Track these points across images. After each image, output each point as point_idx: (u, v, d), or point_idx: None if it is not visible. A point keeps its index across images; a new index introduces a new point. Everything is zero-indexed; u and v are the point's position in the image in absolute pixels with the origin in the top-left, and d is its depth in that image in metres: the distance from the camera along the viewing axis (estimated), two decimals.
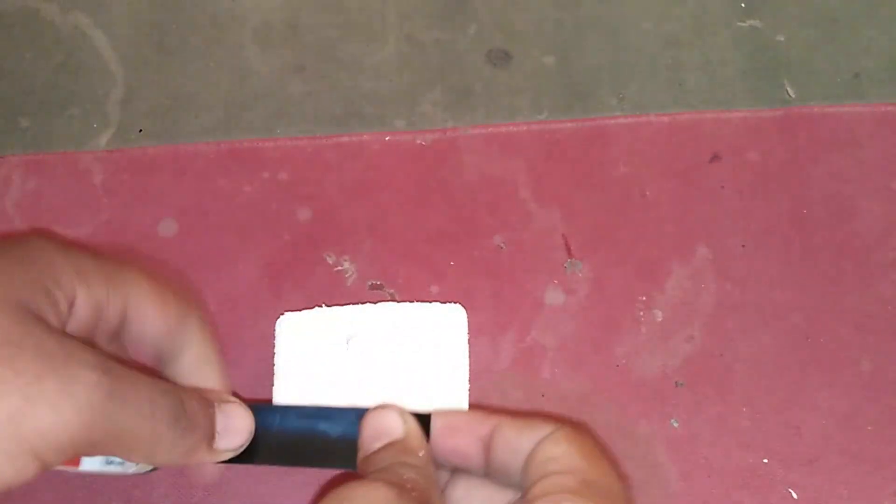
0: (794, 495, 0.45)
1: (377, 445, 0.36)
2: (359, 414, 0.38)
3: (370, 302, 0.43)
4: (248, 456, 0.37)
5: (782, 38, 0.55)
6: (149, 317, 0.36)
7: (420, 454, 0.36)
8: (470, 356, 0.42)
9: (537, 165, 0.52)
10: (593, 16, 0.56)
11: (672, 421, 0.46)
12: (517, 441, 0.35)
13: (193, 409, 0.34)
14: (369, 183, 0.51)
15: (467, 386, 0.41)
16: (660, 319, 0.48)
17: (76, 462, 0.39)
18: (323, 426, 0.38)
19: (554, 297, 0.48)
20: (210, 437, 0.35)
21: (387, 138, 0.52)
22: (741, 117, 0.53)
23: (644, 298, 0.48)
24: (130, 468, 0.39)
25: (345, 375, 0.41)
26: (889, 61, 0.55)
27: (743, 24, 0.56)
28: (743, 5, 0.56)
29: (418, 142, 0.52)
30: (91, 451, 0.31)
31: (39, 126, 0.53)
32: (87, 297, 0.34)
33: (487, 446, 0.36)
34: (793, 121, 0.53)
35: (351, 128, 0.53)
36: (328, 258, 0.49)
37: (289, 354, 0.41)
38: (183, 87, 0.54)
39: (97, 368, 0.30)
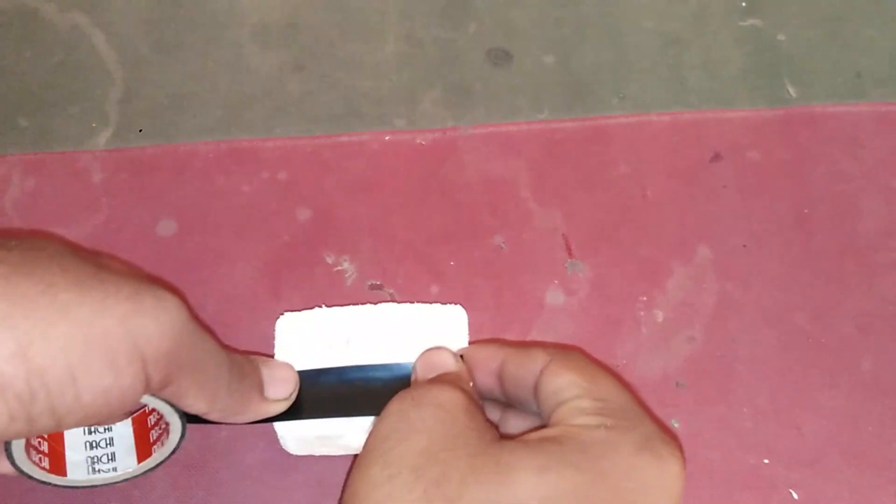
0: (796, 496, 0.44)
1: (430, 375, 0.38)
2: (399, 367, 0.40)
3: (370, 302, 0.43)
4: (297, 412, 0.39)
5: (783, 38, 0.55)
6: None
7: (471, 384, 0.38)
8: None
9: (538, 165, 0.52)
10: (594, 14, 0.56)
11: (673, 421, 0.46)
12: (519, 374, 0.37)
13: (240, 361, 0.37)
14: (369, 182, 0.51)
15: None
16: (661, 320, 0.48)
17: (62, 470, 0.38)
18: (364, 376, 0.40)
19: (554, 297, 0.48)
20: (259, 385, 0.38)
21: (386, 137, 0.52)
22: (742, 117, 0.53)
23: (645, 298, 0.48)
24: (120, 475, 0.39)
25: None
26: (890, 60, 0.55)
27: (744, 24, 0.56)
28: (744, 4, 0.56)
29: (418, 141, 0.52)
30: (174, 376, 0.32)
31: (38, 125, 0.53)
32: None
33: (499, 379, 0.38)
34: (794, 120, 0.53)
35: (351, 127, 0.53)
36: (328, 258, 0.49)
37: (288, 354, 0.41)
38: (182, 86, 0.54)
39: (173, 300, 0.32)
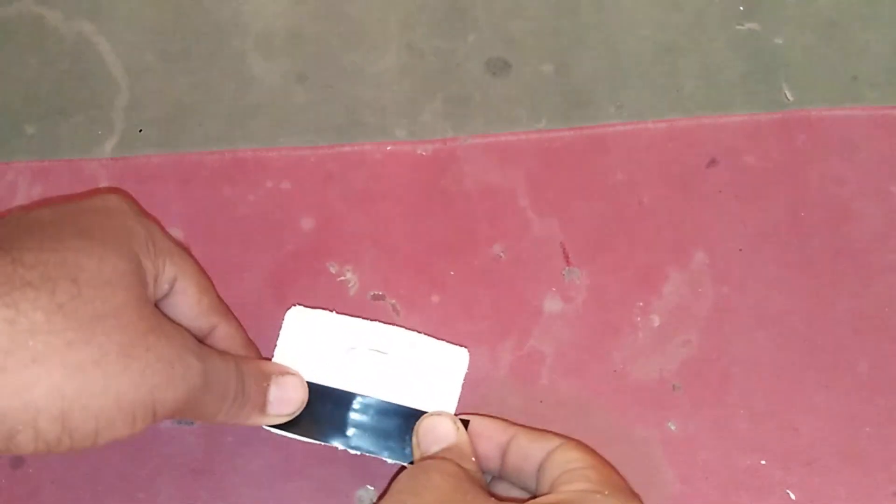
0: (793, 496, 0.45)
1: (435, 449, 0.41)
2: (400, 409, 0.43)
3: (372, 313, 0.44)
4: (292, 427, 0.42)
5: (781, 41, 0.55)
6: (191, 296, 0.41)
7: (472, 459, 0.41)
8: (463, 387, 0.44)
9: (536, 174, 0.52)
10: (591, 23, 0.56)
11: (669, 424, 0.46)
12: (530, 448, 0.40)
13: (250, 384, 0.40)
14: (371, 193, 0.51)
15: None
16: (657, 324, 0.48)
17: None
18: (364, 410, 0.43)
19: (552, 304, 0.49)
20: (261, 406, 0.41)
21: (388, 148, 0.53)
22: (739, 121, 0.53)
23: (641, 304, 0.49)
24: None
25: (337, 380, 0.43)
26: (886, 64, 0.55)
27: (741, 27, 0.56)
28: (741, 8, 0.56)
29: (419, 151, 0.53)
30: (171, 417, 0.36)
31: (45, 133, 0.53)
32: (150, 267, 0.38)
33: (504, 452, 0.41)
34: (790, 124, 0.53)
35: (353, 137, 0.53)
36: (331, 268, 0.50)
37: (290, 346, 0.43)
38: (187, 94, 0.54)
39: (198, 356, 0.37)
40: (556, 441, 0.40)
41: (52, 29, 0.56)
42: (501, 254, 0.50)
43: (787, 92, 0.54)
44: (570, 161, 0.52)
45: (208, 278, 0.43)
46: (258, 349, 0.45)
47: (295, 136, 0.53)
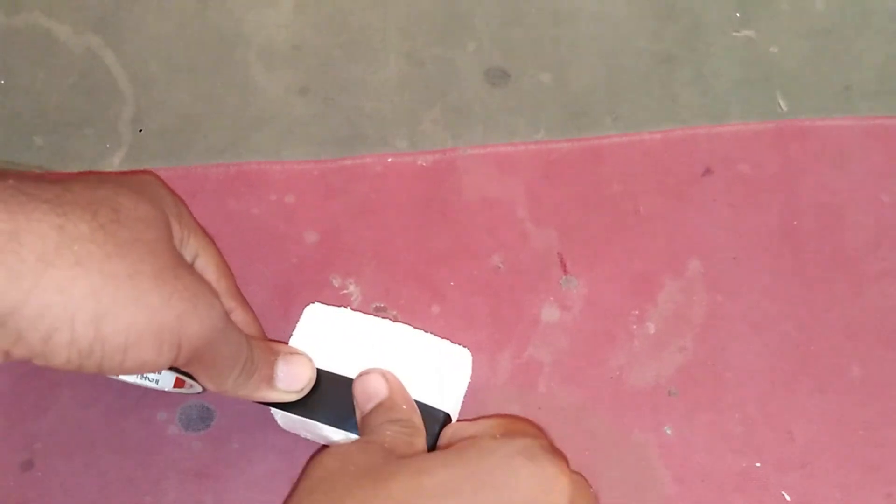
0: (788, 498, 0.45)
1: (369, 407, 0.41)
2: None
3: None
4: (298, 407, 0.43)
5: (776, 50, 0.56)
6: (211, 274, 0.43)
7: (404, 407, 0.41)
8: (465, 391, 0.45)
9: (534, 185, 0.52)
10: (589, 34, 0.57)
11: (665, 428, 0.47)
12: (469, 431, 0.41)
13: (259, 355, 0.41)
14: (373, 205, 0.52)
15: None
16: (653, 332, 0.49)
17: None
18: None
19: (550, 313, 0.50)
20: (269, 379, 0.41)
21: (389, 160, 0.53)
22: (733, 131, 0.54)
23: (637, 312, 0.49)
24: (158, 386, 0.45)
25: (347, 370, 0.43)
26: (879, 74, 0.55)
27: (738, 35, 0.56)
28: (738, 15, 0.57)
29: (419, 163, 0.53)
30: (190, 363, 0.37)
31: (53, 145, 0.54)
32: (177, 230, 0.40)
33: None
34: (784, 134, 0.53)
35: (354, 149, 0.54)
36: (334, 281, 0.50)
37: (304, 336, 0.44)
38: (192, 107, 0.55)
39: (218, 301, 0.38)
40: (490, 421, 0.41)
41: (61, 42, 0.57)
42: (500, 264, 0.51)
43: (780, 101, 0.54)
44: (567, 172, 0.53)
45: (229, 268, 0.45)
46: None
47: (298, 149, 0.54)
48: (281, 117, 0.55)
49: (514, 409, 0.47)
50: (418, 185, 0.53)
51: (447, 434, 0.41)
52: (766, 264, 0.50)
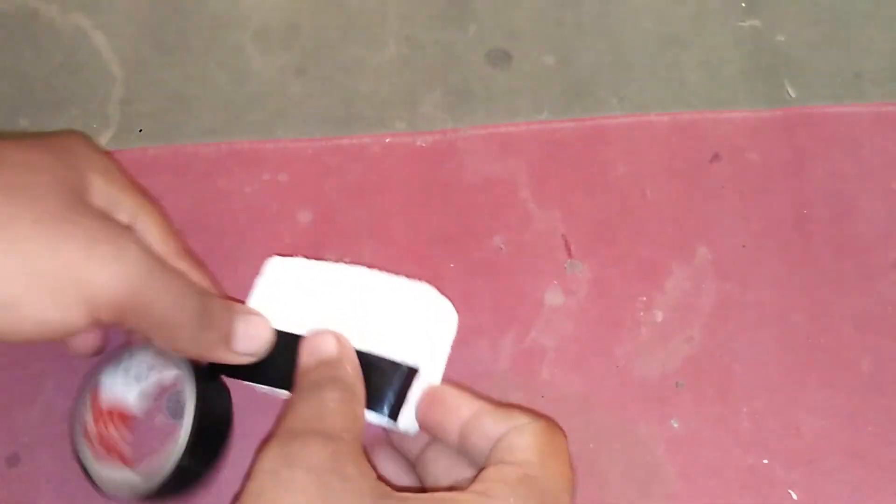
0: (794, 496, 0.45)
1: (311, 362, 0.38)
2: (360, 360, 0.39)
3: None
4: (254, 375, 0.40)
5: (783, 38, 0.55)
6: (155, 234, 0.40)
7: (349, 370, 0.37)
8: (463, 355, 0.42)
9: (537, 166, 0.52)
10: (593, 15, 0.56)
11: (672, 421, 0.46)
12: (493, 428, 0.36)
13: (213, 310, 0.38)
14: (370, 185, 0.51)
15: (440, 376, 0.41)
16: (660, 320, 0.48)
17: None
18: None
19: (554, 297, 0.49)
20: (227, 337, 0.38)
21: (387, 140, 0.53)
22: (742, 117, 0.53)
23: (644, 299, 0.49)
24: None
25: (309, 328, 0.40)
26: (889, 61, 0.55)
27: (743, 24, 0.56)
28: (743, 5, 0.57)
29: (418, 143, 0.52)
30: (129, 319, 0.34)
31: (40, 126, 0.53)
32: (101, 186, 0.37)
33: (465, 427, 0.37)
34: (793, 121, 0.53)
35: (351, 129, 0.53)
36: (329, 261, 0.49)
37: (264, 295, 0.42)
38: (183, 87, 0.54)
39: (141, 249, 0.35)
40: (521, 420, 0.36)
41: (48, 22, 0.56)
42: (502, 246, 0.50)
43: (789, 89, 0.54)
44: (572, 152, 0.52)
45: (176, 230, 0.42)
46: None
47: (292, 129, 0.53)
48: (275, 97, 0.54)
49: (517, 397, 0.46)
50: (417, 165, 0.52)
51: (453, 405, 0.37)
52: (776, 253, 0.50)
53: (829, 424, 0.46)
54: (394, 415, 0.38)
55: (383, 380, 0.39)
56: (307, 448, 0.33)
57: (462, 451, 0.37)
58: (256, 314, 0.40)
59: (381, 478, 0.34)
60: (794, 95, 0.54)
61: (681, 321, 0.48)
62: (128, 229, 0.36)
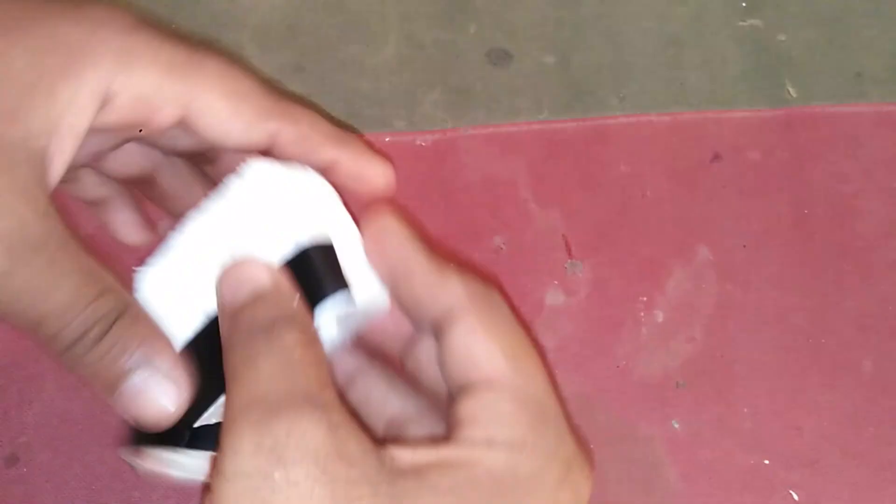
0: (796, 496, 0.45)
1: (241, 298, 0.28)
2: None
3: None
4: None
5: (783, 38, 0.55)
6: (221, 110, 0.31)
7: (294, 304, 0.29)
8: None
9: (538, 165, 0.52)
10: (594, 15, 0.56)
11: (673, 422, 0.46)
12: (424, 300, 0.31)
13: (107, 330, 0.28)
14: None
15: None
16: (660, 320, 0.48)
17: None
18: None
19: (554, 297, 0.49)
20: (110, 382, 0.29)
21: (386, 139, 0.52)
22: (742, 117, 0.53)
23: (645, 299, 0.49)
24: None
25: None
26: (891, 61, 0.55)
27: (744, 24, 0.56)
28: (744, 4, 0.56)
29: (418, 142, 0.52)
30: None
31: None
32: (127, 87, 0.29)
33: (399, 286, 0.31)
34: (794, 120, 0.53)
35: (351, 129, 0.53)
36: None
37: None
38: None
39: (41, 214, 0.27)
40: (454, 295, 0.30)
41: None
42: (502, 245, 0.50)
43: (790, 89, 0.54)
44: (572, 152, 0.52)
45: (250, 78, 0.32)
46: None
47: None
48: None
49: None
50: (417, 164, 0.52)
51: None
52: (777, 253, 0.50)
53: (831, 425, 0.46)
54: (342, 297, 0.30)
55: (308, 273, 0.30)
56: (297, 429, 0.24)
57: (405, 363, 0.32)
58: (170, 356, 0.28)
59: (378, 442, 0.26)
60: (794, 95, 0.54)
61: (681, 321, 0.48)
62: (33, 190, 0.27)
